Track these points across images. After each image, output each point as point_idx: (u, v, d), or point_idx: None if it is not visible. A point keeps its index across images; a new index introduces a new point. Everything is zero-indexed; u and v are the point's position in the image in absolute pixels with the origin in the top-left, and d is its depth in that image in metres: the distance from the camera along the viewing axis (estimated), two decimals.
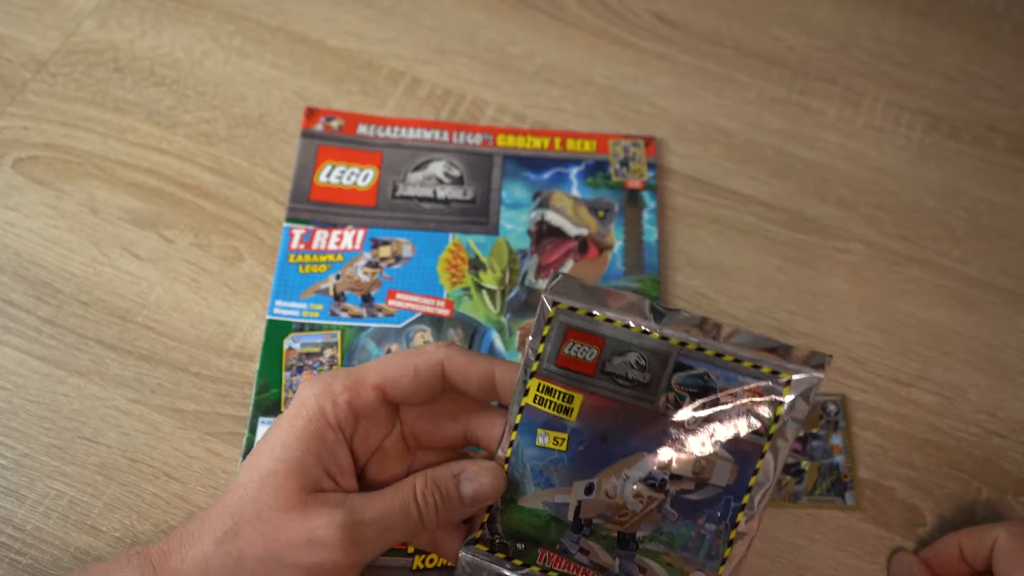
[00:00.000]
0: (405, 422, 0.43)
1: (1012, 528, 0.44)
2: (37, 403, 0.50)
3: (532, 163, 0.59)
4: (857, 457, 0.51)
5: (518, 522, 0.41)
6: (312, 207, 0.56)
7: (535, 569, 0.41)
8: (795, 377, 0.38)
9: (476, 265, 0.55)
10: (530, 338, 0.40)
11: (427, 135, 0.60)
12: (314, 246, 0.55)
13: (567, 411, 0.40)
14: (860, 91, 0.64)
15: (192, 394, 0.50)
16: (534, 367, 0.41)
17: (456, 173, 0.58)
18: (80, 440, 0.49)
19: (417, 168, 0.58)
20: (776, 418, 0.39)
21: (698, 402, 0.39)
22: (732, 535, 0.40)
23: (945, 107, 0.64)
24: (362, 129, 0.60)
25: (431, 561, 0.46)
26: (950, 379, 0.53)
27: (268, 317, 0.52)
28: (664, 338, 0.39)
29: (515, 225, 0.56)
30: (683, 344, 0.39)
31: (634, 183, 0.58)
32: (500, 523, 0.41)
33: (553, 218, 0.57)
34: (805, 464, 0.50)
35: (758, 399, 0.39)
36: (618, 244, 0.56)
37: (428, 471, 0.41)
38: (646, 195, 0.58)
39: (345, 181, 0.57)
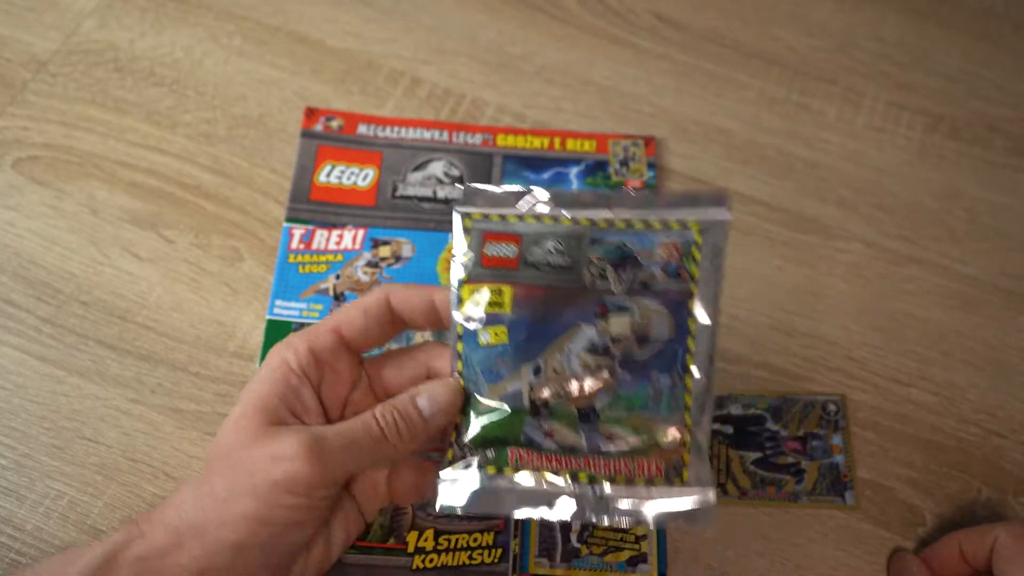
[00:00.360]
0: (371, 375, 0.44)
1: (1012, 528, 0.44)
2: (37, 403, 0.50)
3: (532, 163, 0.59)
4: (857, 457, 0.51)
5: (482, 426, 0.41)
6: (312, 207, 0.56)
7: (509, 471, 0.41)
8: (704, 222, 0.41)
9: None
10: (453, 254, 0.42)
11: (427, 135, 0.60)
12: (314, 246, 0.55)
13: (500, 304, 0.42)
14: (860, 91, 0.64)
15: (192, 394, 0.50)
16: (463, 276, 0.42)
17: (456, 173, 0.58)
18: (80, 440, 0.49)
19: (417, 168, 0.58)
20: (696, 262, 0.41)
21: (620, 269, 0.41)
22: (688, 382, 0.40)
23: (945, 107, 0.64)
24: (362, 129, 0.60)
25: (431, 561, 0.46)
26: (950, 379, 0.53)
27: (268, 317, 0.52)
28: (574, 221, 0.41)
29: None
30: (592, 222, 0.41)
31: (634, 183, 0.58)
32: (465, 434, 0.41)
33: None
34: (805, 464, 0.50)
35: (676, 252, 0.41)
36: None
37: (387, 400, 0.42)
38: None
39: (345, 181, 0.57)
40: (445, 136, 0.60)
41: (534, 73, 0.63)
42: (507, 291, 0.41)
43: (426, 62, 0.63)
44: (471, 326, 0.42)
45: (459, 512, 0.41)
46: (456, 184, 0.42)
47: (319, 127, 0.59)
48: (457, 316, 0.42)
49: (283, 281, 0.54)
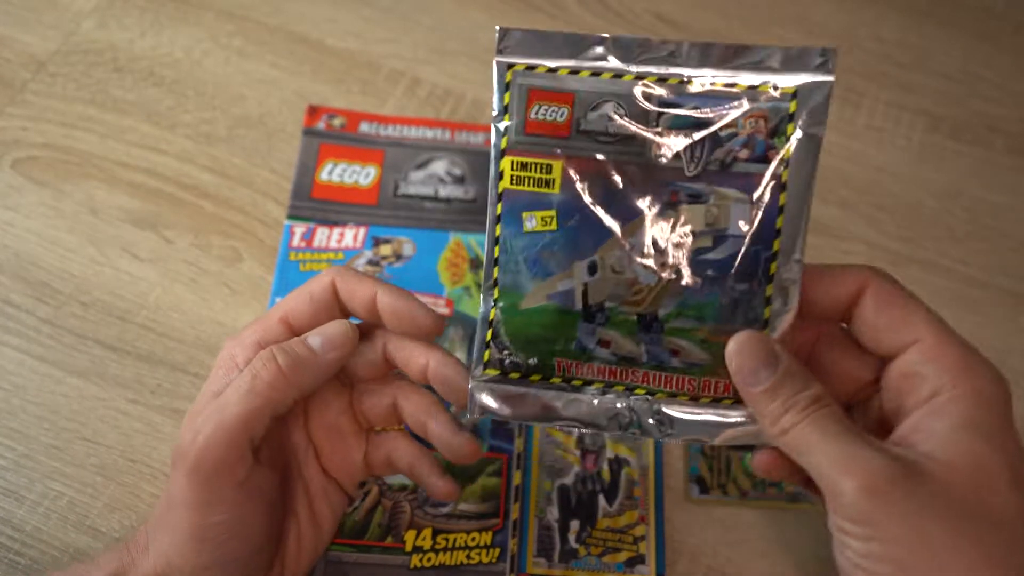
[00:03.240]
0: None
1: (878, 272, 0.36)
2: (36, 403, 0.50)
3: None
4: None
5: (525, 326, 0.37)
6: (313, 205, 0.56)
7: (556, 380, 0.37)
8: (801, 87, 0.34)
9: (477, 264, 0.55)
10: (492, 113, 0.37)
11: (429, 134, 0.60)
12: (315, 244, 0.55)
13: (548, 183, 0.36)
14: (860, 91, 0.64)
15: (192, 394, 0.50)
16: (503, 144, 0.36)
17: (458, 172, 0.58)
18: (79, 441, 0.49)
19: (419, 167, 0.58)
20: (787, 138, 0.34)
21: (694, 142, 0.35)
22: (769, 290, 0.35)
23: (945, 107, 0.64)
24: (364, 127, 0.60)
25: (428, 560, 0.46)
26: None
27: None
28: (640, 77, 0.35)
29: None
30: (663, 80, 0.35)
31: None
32: (505, 335, 0.37)
33: None
34: None
35: (763, 124, 0.34)
36: None
37: None
38: None
39: (347, 179, 0.58)
40: (447, 135, 0.60)
41: None
42: (557, 167, 0.36)
43: (426, 62, 0.63)
44: (513, 208, 0.36)
45: (496, 417, 0.37)
46: (501, 29, 0.37)
47: (321, 125, 0.59)
48: (495, 194, 0.37)
49: (284, 279, 0.54)
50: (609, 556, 0.47)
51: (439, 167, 0.58)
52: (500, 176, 0.36)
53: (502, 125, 0.36)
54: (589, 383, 0.37)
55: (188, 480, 0.37)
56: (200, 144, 0.59)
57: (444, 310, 0.53)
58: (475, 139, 0.60)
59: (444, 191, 0.57)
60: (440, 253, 0.55)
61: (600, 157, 0.35)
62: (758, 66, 0.34)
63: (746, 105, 0.34)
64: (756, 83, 0.34)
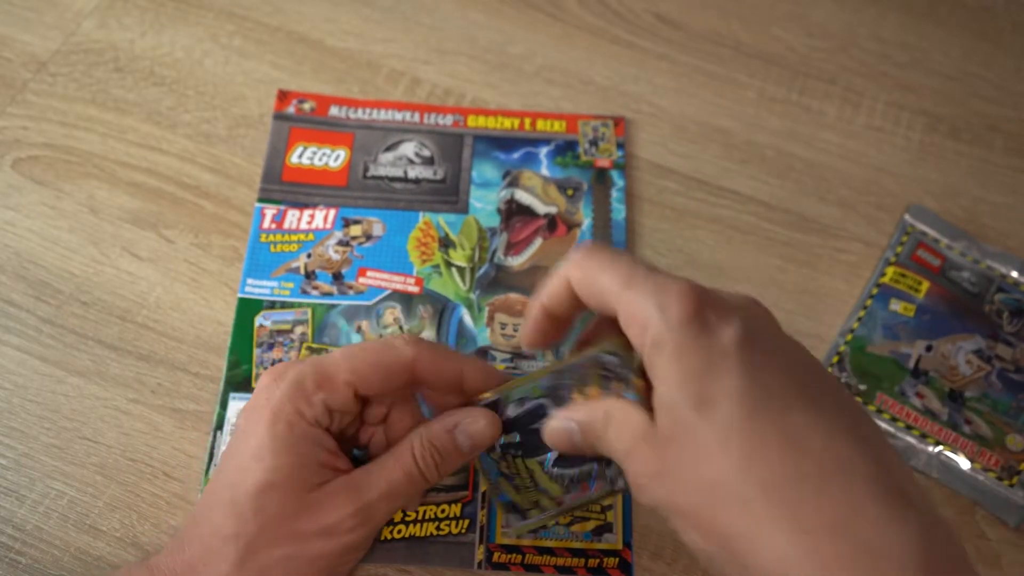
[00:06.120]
0: None
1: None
2: (37, 403, 0.50)
3: (502, 143, 0.59)
4: None
5: (866, 364, 0.52)
6: (284, 187, 0.57)
7: (871, 408, 0.50)
8: None
9: (446, 243, 0.55)
10: (890, 240, 0.55)
11: (398, 116, 0.60)
12: (285, 225, 0.55)
13: (916, 290, 0.54)
14: (860, 91, 0.64)
15: (192, 394, 0.50)
16: (892, 259, 0.54)
17: (427, 153, 0.59)
18: (80, 440, 0.49)
19: (388, 148, 0.59)
20: None
21: (1014, 316, 0.53)
22: None
23: (945, 107, 0.64)
24: (334, 111, 0.60)
25: (399, 532, 0.46)
26: None
27: (239, 295, 0.53)
28: (989, 268, 0.55)
29: (485, 204, 0.57)
30: (1004, 276, 0.55)
31: (603, 162, 0.59)
32: (849, 363, 0.52)
33: (522, 197, 0.57)
34: None
35: None
36: (586, 222, 0.57)
37: (423, 430, 0.42)
38: (614, 174, 0.59)
39: (317, 162, 0.58)
40: (416, 117, 0.60)
41: (534, 73, 0.63)
42: (925, 285, 0.54)
43: (426, 62, 0.63)
44: (885, 295, 0.53)
45: None
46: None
47: (291, 109, 0.60)
48: (873, 285, 0.54)
49: (254, 260, 0.54)
50: (577, 525, 0.47)
51: (408, 149, 0.59)
52: (882, 275, 0.54)
53: (896, 251, 0.55)
54: (895, 420, 0.50)
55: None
56: (200, 144, 0.59)
57: (414, 289, 0.54)
58: (443, 120, 0.60)
59: (413, 172, 0.58)
60: (409, 233, 0.56)
61: (954, 293, 0.54)
62: None
63: None
64: None
